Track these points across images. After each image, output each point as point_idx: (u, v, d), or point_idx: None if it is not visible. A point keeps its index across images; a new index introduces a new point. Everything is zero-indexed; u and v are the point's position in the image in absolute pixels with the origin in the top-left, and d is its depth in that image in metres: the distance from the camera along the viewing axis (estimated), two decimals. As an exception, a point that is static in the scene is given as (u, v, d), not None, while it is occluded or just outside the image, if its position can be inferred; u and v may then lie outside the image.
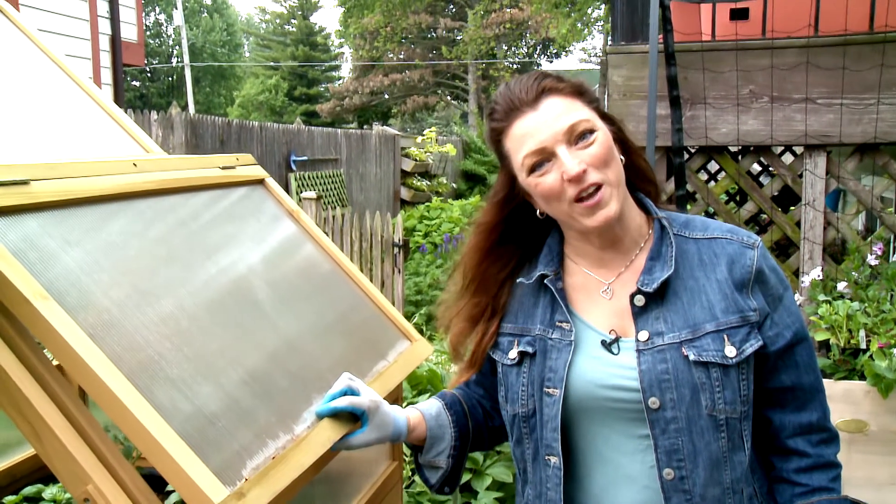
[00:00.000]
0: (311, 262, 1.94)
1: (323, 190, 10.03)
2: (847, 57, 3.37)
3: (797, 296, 3.37)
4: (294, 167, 9.83)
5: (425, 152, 12.37)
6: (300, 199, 6.95)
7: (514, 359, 1.35)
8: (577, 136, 1.24)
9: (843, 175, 3.51)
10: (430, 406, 1.51)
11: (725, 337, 1.26)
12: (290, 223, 2.00)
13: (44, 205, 1.32)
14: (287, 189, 9.69)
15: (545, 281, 1.35)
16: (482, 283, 1.41)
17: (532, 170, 1.26)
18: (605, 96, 3.72)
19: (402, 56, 30.23)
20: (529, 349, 1.34)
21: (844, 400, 2.89)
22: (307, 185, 9.70)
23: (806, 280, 3.27)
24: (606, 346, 1.29)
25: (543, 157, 1.25)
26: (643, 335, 1.27)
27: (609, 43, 3.87)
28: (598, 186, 1.24)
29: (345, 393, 1.40)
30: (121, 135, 2.07)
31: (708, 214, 4.30)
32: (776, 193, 4.86)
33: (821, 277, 3.21)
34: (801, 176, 3.56)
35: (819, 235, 3.50)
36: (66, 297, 1.19)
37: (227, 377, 1.36)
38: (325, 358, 1.63)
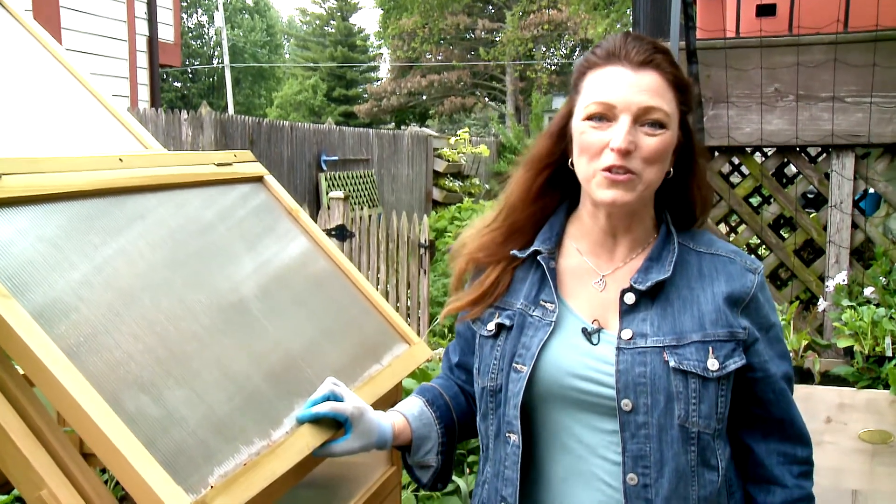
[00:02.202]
0: (307, 262, 1.90)
1: (353, 190, 10.04)
2: (878, 54, 3.25)
3: (821, 301, 3.26)
4: (325, 167, 9.85)
5: (458, 153, 12.33)
6: (329, 199, 6.95)
7: (492, 331, 1.33)
8: (648, 121, 1.21)
9: (871, 177, 3.39)
10: (412, 406, 1.46)
11: (710, 349, 1.22)
12: (289, 223, 1.97)
13: (16, 200, 1.30)
14: (317, 189, 9.72)
15: (538, 258, 1.32)
16: (520, 223, 1.36)
17: (590, 117, 1.23)
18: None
19: (440, 57, 30.26)
20: (507, 322, 1.31)
21: (868, 409, 2.79)
22: (337, 185, 9.72)
23: (831, 285, 3.16)
24: (587, 334, 1.26)
25: (607, 113, 1.22)
26: (626, 333, 1.24)
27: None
28: (631, 173, 1.21)
29: (328, 398, 1.36)
30: (119, 130, 2.06)
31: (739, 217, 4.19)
32: (810, 196, 4.74)
33: (846, 282, 3.10)
34: (827, 177, 3.45)
35: (846, 239, 3.38)
36: (28, 294, 1.17)
37: (203, 381, 1.33)
38: (315, 362, 1.59)
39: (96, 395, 1.10)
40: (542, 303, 1.30)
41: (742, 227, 3.96)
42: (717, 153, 3.75)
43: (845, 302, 2.99)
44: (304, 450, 1.32)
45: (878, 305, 2.95)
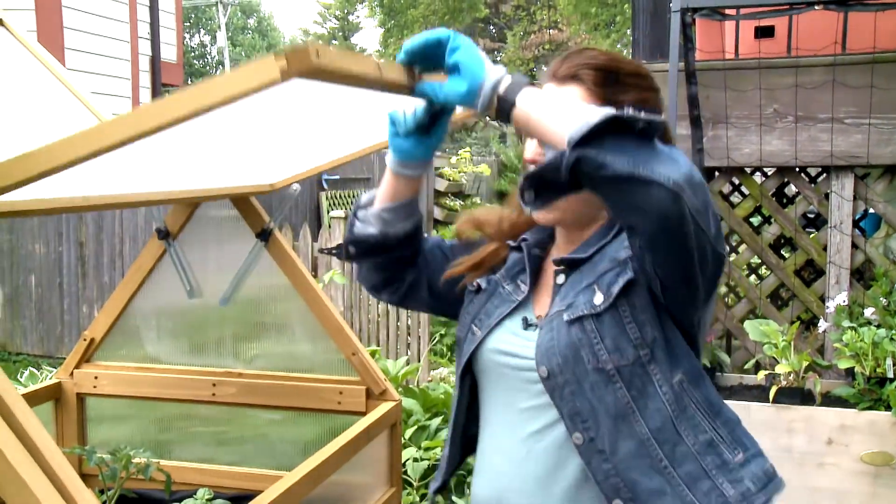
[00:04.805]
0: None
1: (355, 209, 10.04)
2: (876, 75, 3.26)
3: (822, 322, 3.25)
4: (326, 186, 9.87)
5: (459, 172, 12.35)
6: (330, 218, 6.96)
7: (474, 287, 1.39)
8: None
9: (871, 197, 3.40)
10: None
11: (596, 287, 1.23)
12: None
13: None
14: (318, 208, 9.73)
15: (522, 244, 1.38)
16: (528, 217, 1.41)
17: None
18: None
19: (441, 76, 30.38)
20: (484, 285, 1.38)
21: (870, 431, 2.78)
22: (338, 203, 9.74)
23: (831, 305, 3.16)
24: (525, 325, 1.32)
25: None
26: (545, 311, 1.31)
27: (630, 61, 3.80)
28: None
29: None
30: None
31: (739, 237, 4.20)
32: (811, 216, 4.74)
33: (846, 303, 3.09)
34: (827, 197, 3.45)
35: (846, 259, 3.38)
36: None
37: None
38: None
39: None
40: (517, 282, 1.35)
41: (742, 247, 3.96)
42: (717, 173, 3.76)
43: (846, 323, 2.99)
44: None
45: (878, 326, 2.95)
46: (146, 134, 0.95)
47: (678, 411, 1.20)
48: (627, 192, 1.04)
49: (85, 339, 2.22)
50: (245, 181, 2.04)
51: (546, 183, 1.09)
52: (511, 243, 1.40)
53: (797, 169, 3.56)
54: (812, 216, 4.76)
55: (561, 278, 1.30)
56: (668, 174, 1.02)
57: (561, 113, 1.08)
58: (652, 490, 1.18)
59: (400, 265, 1.44)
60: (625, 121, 1.01)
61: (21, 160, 1.06)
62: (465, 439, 1.41)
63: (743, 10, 3.28)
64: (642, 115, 1.02)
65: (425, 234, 1.47)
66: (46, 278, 7.17)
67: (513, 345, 1.30)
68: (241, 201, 2.14)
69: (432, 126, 1.26)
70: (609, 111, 1.01)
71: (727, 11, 3.34)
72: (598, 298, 1.21)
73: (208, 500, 1.91)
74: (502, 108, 1.11)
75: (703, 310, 1.24)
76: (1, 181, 1.06)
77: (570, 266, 1.29)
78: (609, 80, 1.23)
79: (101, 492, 1.84)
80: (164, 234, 2.18)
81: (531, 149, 1.27)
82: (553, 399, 1.23)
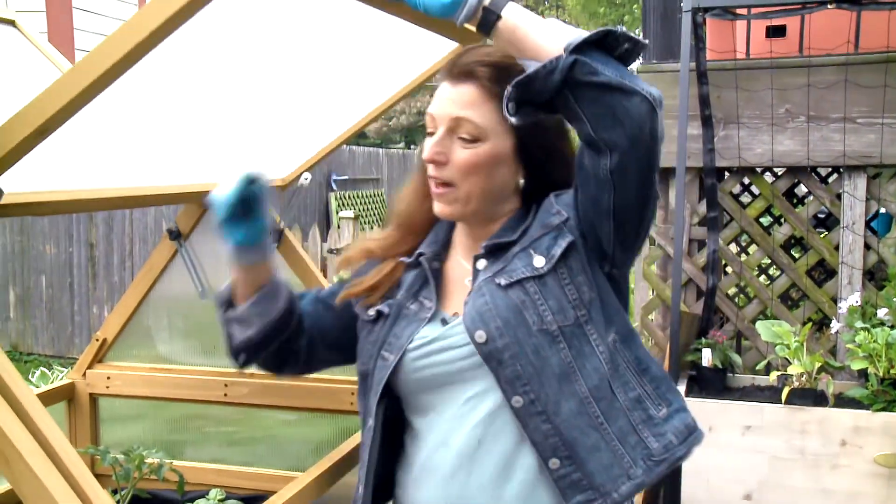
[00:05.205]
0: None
1: (363, 209, 10.06)
2: (889, 74, 3.25)
3: (834, 322, 3.24)
4: (335, 187, 9.88)
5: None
6: (339, 219, 6.96)
7: (372, 316, 1.35)
8: (460, 134, 1.25)
9: (884, 197, 3.38)
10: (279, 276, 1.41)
11: (532, 251, 1.25)
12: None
13: None
14: (327, 208, 9.74)
15: (421, 259, 1.35)
16: (406, 222, 1.40)
17: (425, 132, 1.28)
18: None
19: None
20: (385, 310, 1.34)
21: (884, 433, 2.76)
22: (347, 204, 9.74)
23: (843, 306, 3.14)
24: (444, 323, 1.30)
25: (432, 127, 1.26)
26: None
27: (640, 61, 3.80)
28: (447, 185, 1.26)
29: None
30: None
31: (749, 237, 4.19)
32: (821, 216, 4.72)
33: (859, 303, 3.08)
34: (839, 197, 3.44)
35: (858, 260, 3.37)
36: None
37: None
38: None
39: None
40: (420, 299, 1.33)
41: (752, 248, 3.95)
42: (727, 174, 3.74)
43: (858, 324, 2.97)
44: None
45: (892, 327, 2.93)
46: (135, 55, 0.94)
47: (612, 370, 1.25)
48: (612, 100, 1.11)
49: (97, 340, 2.22)
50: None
51: (530, 93, 1.14)
52: (406, 260, 1.37)
53: (809, 169, 3.54)
54: (822, 216, 4.74)
55: (482, 263, 1.29)
56: (649, 89, 1.13)
57: (549, 26, 1.14)
58: (589, 446, 1.22)
59: (289, 341, 1.40)
60: (615, 38, 1.12)
61: (11, 122, 1.05)
62: (379, 479, 1.32)
63: (754, 10, 3.27)
64: (628, 35, 1.13)
65: (296, 293, 1.42)
66: (57, 279, 7.20)
67: (441, 342, 1.27)
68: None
69: (249, 209, 1.25)
70: (602, 28, 1.12)
71: (738, 11, 3.32)
72: (539, 261, 1.24)
73: (220, 500, 1.91)
74: (486, 20, 1.14)
75: (634, 257, 1.31)
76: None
77: (495, 251, 1.29)
78: (503, 77, 1.22)
79: (115, 492, 1.84)
80: (175, 235, 2.18)
81: (431, 148, 1.26)
82: (489, 364, 1.22)
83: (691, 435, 1.28)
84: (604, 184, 1.18)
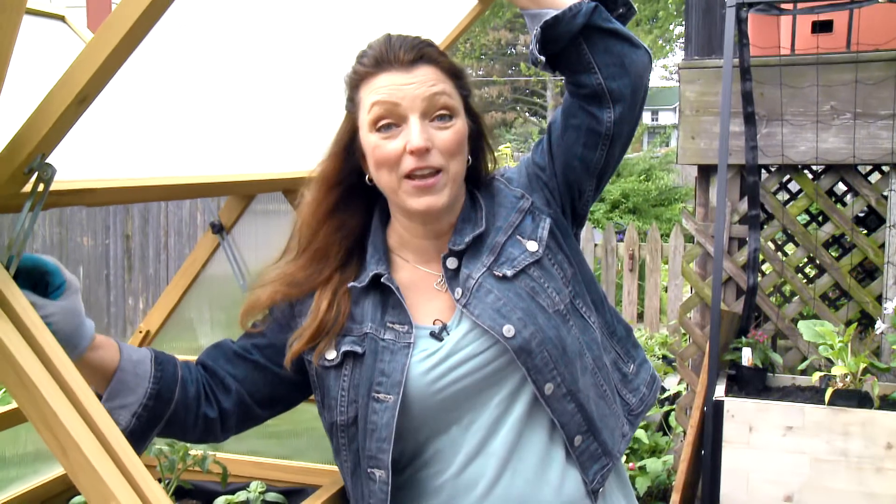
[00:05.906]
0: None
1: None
2: (939, 71, 3.18)
3: (879, 323, 3.18)
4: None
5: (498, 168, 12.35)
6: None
7: (334, 360, 1.22)
8: (436, 115, 1.19)
9: (931, 196, 3.31)
10: (137, 350, 1.22)
11: (519, 237, 1.24)
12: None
13: None
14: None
15: (382, 280, 1.24)
16: (323, 247, 1.28)
17: (377, 128, 1.19)
18: (679, 112, 3.61)
19: (480, 72, 30.35)
20: (357, 349, 1.22)
21: (929, 436, 2.71)
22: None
23: (889, 307, 3.08)
24: (436, 336, 1.22)
25: (394, 120, 1.19)
26: (458, 292, 1.22)
27: (683, 58, 3.75)
28: (437, 171, 1.19)
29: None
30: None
31: (785, 235, 4.13)
32: (861, 214, 4.64)
33: (905, 304, 3.02)
34: (885, 196, 3.37)
35: (905, 259, 3.30)
36: None
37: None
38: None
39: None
40: (389, 325, 1.22)
41: (789, 246, 3.89)
42: (767, 171, 3.69)
43: (904, 325, 2.92)
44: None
45: (939, 329, 2.88)
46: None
47: (605, 330, 1.32)
48: (622, 50, 1.20)
49: (140, 332, 2.23)
50: (297, 167, 2.04)
51: (551, 36, 1.19)
52: (356, 285, 1.25)
53: (854, 167, 3.48)
54: (861, 215, 4.66)
55: (453, 262, 1.24)
56: (645, 46, 1.23)
57: None
58: (600, 416, 1.25)
59: (209, 408, 1.26)
60: (613, 1, 1.23)
61: (51, 94, 1.02)
62: None
63: (800, 5, 3.22)
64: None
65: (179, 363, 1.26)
66: (94, 270, 7.29)
67: (457, 355, 1.20)
68: (292, 194, 2.14)
69: (46, 285, 1.06)
70: None
71: (783, 6, 3.27)
72: (533, 246, 1.24)
73: (261, 492, 1.92)
74: None
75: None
76: (42, 128, 1.01)
77: (469, 246, 1.24)
78: (449, 60, 1.24)
79: (159, 481, 1.86)
80: (218, 228, 2.19)
81: (419, 135, 1.16)
82: (520, 358, 1.18)
83: (655, 381, 1.38)
84: (601, 139, 1.23)
